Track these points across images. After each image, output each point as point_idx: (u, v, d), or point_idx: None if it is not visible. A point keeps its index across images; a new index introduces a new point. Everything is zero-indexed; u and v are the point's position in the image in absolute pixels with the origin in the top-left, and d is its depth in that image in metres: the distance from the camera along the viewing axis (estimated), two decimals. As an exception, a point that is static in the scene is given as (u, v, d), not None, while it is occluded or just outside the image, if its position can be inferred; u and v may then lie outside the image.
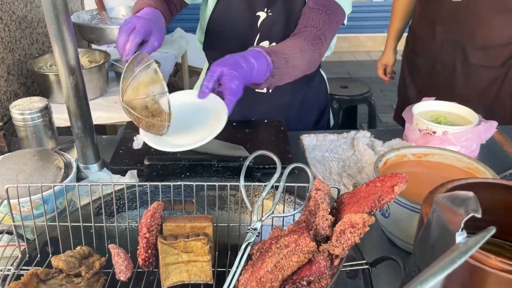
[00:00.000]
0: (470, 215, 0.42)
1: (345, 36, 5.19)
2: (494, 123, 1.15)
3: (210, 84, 0.92)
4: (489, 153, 1.21)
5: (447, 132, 1.13)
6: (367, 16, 5.17)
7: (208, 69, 0.99)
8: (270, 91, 1.38)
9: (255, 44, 1.31)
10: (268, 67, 1.02)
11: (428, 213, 0.62)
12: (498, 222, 0.75)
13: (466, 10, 1.71)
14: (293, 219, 0.81)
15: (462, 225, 0.43)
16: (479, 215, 0.42)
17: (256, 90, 1.36)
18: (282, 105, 1.42)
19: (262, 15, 1.27)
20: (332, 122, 1.65)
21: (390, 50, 2.11)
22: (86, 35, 2.25)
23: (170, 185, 0.82)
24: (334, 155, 1.22)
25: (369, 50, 5.26)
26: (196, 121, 0.94)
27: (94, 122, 1.10)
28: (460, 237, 0.42)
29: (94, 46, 2.39)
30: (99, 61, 1.89)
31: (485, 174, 0.89)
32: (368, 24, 5.17)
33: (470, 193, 0.46)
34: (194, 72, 3.08)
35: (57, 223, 0.80)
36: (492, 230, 0.40)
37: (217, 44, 1.37)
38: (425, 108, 1.26)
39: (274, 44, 1.28)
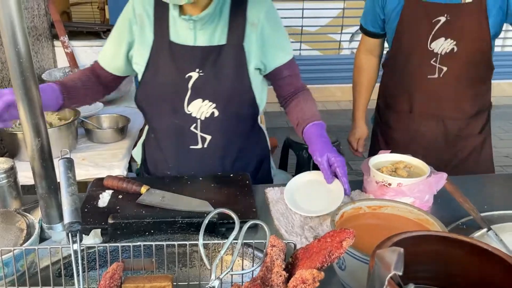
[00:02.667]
0: (392, 273, 0.46)
1: (315, 87, 5.39)
2: (444, 175, 1.22)
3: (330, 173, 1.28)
4: (442, 203, 1.27)
5: (401, 184, 1.19)
6: (335, 68, 5.42)
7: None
8: (205, 146, 1.45)
9: (186, 100, 1.39)
10: None
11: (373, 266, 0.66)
12: (443, 271, 0.79)
13: (443, 85, 1.71)
14: (252, 275, 0.84)
15: (386, 282, 0.46)
16: (399, 273, 0.45)
17: (191, 146, 1.44)
18: (217, 159, 1.48)
19: (194, 75, 1.37)
20: (274, 171, 1.70)
21: (362, 123, 2.01)
22: (57, 92, 2.29)
23: (129, 245, 0.83)
24: (296, 208, 1.26)
25: (338, 100, 5.46)
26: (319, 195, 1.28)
27: (62, 180, 1.11)
28: (383, 293, 0.46)
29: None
30: (69, 118, 1.91)
31: (434, 225, 0.94)
32: (336, 75, 5.41)
33: (399, 250, 0.50)
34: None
35: (16, 287, 0.80)
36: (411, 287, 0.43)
37: (149, 106, 1.47)
38: (381, 160, 1.33)
39: (207, 101, 1.39)
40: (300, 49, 5.42)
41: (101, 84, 1.50)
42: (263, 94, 1.50)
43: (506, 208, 1.23)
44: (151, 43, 1.39)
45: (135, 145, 1.79)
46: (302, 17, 5.22)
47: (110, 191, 1.29)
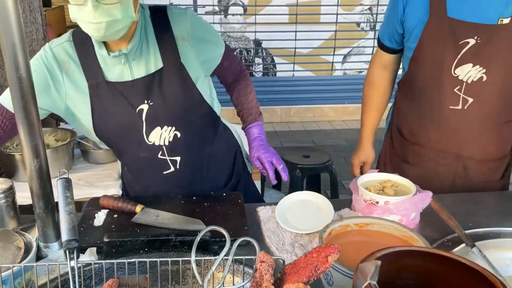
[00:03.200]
0: (367, 282, 0.49)
1: (309, 107, 5.48)
2: (429, 193, 1.26)
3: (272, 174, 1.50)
4: (429, 220, 1.31)
5: (388, 202, 1.23)
6: (328, 88, 5.53)
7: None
8: (178, 167, 1.44)
9: (144, 133, 1.37)
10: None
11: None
12: (425, 286, 0.83)
13: (466, 119, 1.49)
14: (243, 291, 0.87)
15: (362, 291, 0.50)
16: (374, 282, 0.49)
17: (164, 172, 1.45)
18: (192, 175, 1.48)
19: (145, 107, 1.35)
20: (250, 166, 1.68)
21: (369, 144, 1.79)
22: (54, 114, 2.33)
23: (125, 262, 0.86)
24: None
25: (331, 119, 5.54)
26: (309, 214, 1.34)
27: (59, 200, 1.14)
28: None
29: (62, 124, 2.46)
30: (65, 140, 1.95)
31: (418, 241, 0.98)
32: (329, 96, 5.51)
33: (377, 263, 0.54)
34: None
35: (14, 304, 0.82)
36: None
37: (112, 146, 1.48)
38: (369, 179, 1.37)
39: (165, 126, 1.37)
40: (293, 70, 5.52)
41: None
42: (213, 95, 1.50)
43: (491, 226, 1.27)
44: (86, 89, 1.33)
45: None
46: (295, 39, 5.34)
47: (106, 211, 1.32)
